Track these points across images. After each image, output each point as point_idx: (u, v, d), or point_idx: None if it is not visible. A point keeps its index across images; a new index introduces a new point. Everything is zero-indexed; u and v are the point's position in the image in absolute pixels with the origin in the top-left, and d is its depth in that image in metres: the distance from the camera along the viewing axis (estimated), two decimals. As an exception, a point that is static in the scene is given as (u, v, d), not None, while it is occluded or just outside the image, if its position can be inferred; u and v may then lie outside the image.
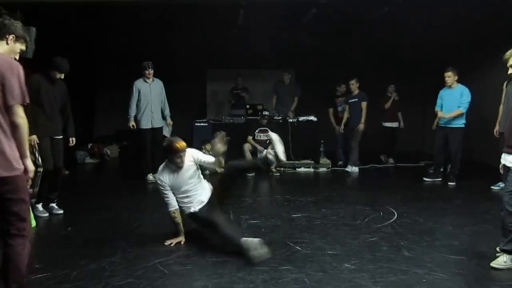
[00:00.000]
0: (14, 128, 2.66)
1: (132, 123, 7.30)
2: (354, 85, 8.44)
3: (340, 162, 8.86)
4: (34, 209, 5.10)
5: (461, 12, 7.79)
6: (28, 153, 2.79)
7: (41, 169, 4.93)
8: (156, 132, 7.36)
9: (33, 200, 5.12)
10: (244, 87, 10.10)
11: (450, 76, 7.10)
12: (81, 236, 4.45)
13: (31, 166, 2.80)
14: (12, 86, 2.64)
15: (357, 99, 8.39)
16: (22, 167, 2.71)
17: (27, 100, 2.74)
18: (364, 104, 8.29)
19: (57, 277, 3.37)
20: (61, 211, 5.40)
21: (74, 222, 4.99)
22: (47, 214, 5.25)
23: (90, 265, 3.61)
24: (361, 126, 8.25)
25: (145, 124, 7.29)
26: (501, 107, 6.52)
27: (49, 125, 5.24)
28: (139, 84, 7.30)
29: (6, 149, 2.63)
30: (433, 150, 7.63)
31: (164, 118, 7.51)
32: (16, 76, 2.68)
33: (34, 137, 4.96)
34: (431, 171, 8.23)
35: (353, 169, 8.26)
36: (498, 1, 7.21)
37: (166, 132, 7.65)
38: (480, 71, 8.95)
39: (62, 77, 5.28)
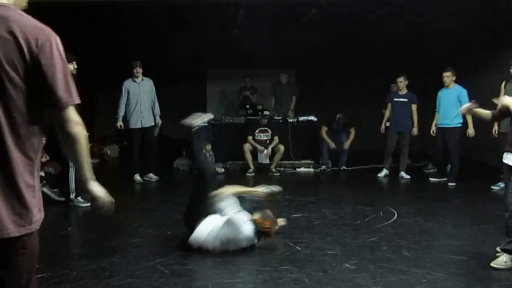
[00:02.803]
0: (68, 141, 1.70)
1: (120, 123, 7.30)
2: (402, 82, 7.71)
3: (324, 167, 8.50)
4: (76, 202, 5.49)
5: (460, 12, 7.78)
6: (93, 174, 1.91)
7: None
8: (147, 132, 7.33)
9: (73, 195, 5.54)
10: (252, 87, 10.12)
11: (449, 76, 7.13)
12: (81, 236, 4.46)
13: (99, 191, 1.98)
14: (57, 75, 1.59)
15: (406, 99, 7.74)
16: (31, 224, 1.61)
17: (77, 99, 1.69)
18: (414, 107, 7.73)
19: (57, 277, 3.36)
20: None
21: (74, 222, 4.99)
22: (89, 204, 5.46)
23: (90, 265, 3.60)
24: (415, 131, 7.74)
25: (134, 124, 7.27)
26: (499, 107, 6.52)
27: None
28: (127, 84, 7.30)
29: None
30: (435, 150, 7.62)
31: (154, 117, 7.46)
32: (59, 58, 1.63)
33: None
34: (427, 171, 8.27)
35: (403, 174, 7.78)
36: (497, 2, 7.21)
37: (155, 131, 7.61)
38: (480, 71, 8.95)
39: (75, 66, 5.53)
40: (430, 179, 7.52)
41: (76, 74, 5.70)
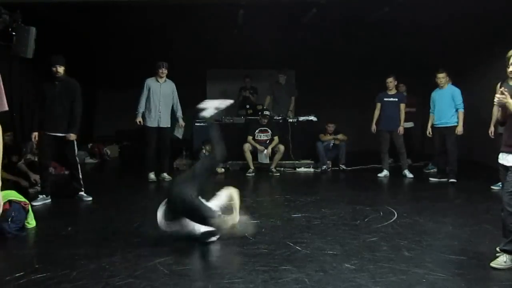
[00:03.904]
0: None
1: (139, 119, 7.35)
2: (392, 83, 7.86)
3: (324, 166, 8.53)
4: (80, 196, 5.84)
5: (460, 13, 7.79)
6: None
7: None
8: (163, 132, 7.37)
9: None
10: (252, 87, 10.12)
11: (444, 77, 7.22)
12: (81, 236, 4.46)
13: None
14: None
15: (396, 99, 7.88)
16: None
17: (5, 107, 2.15)
18: (403, 106, 7.86)
19: (57, 277, 3.37)
20: (90, 198, 5.94)
21: (74, 222, 4.99)
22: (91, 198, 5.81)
23: (90, 265, 3.60)
24: (401, 129, 7.81)
25: (151, 123, 7.32)
26: (495, 108, 6.54)
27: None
28: (150, 82, 7.36)
29: None
30: (435, 151, 7.64)
31: (176, 119, 7.53)
32: None
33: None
34: (427, 171, 8.27)
35: (406, 173, 7.84)
36: (497, 2, 7.21)
37: (179, 133, 7.65)
38: (479, 71, 8.96)
39: (61, 70, 5.67)
40: (430, 179, 7.53)
41: (77, 75, 5.84)
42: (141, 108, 7.33)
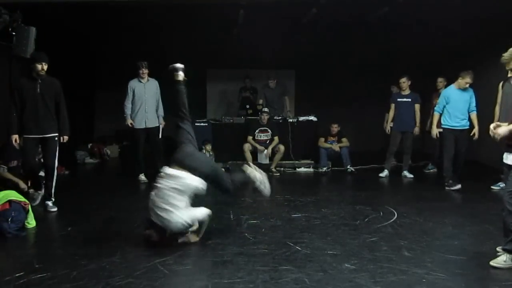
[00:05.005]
0: None
1: (129, 121, 7.32)
2: (405, 83, 7.76)
3: (325, 168, 8.40)
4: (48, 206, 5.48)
5: (459, 14, 7.79)
6: None
7: None
8: (152, 132, 7.34)
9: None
10: (252, 87, 10.12)
11: (472, 82, 6.95)
12: (81, 236, 4.45)
13: None
14: None
15: (410, 99, 7.79)
16: None
17: None
18: (418, 106, 7.78)
19: (57, 277, 3.37)
20: (55, 209, 5.54)
21: (74, 222, 4.99)
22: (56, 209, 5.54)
23: (90, 265, 3.61)
24: (417, 130, 7.82)
25: (139, 124, 7.29)
26: (497, 107, 6.52)
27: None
28: (133, 83, 7.33)
29: None
30: (446, 154, 7.01)
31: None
32: None
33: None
34: (427, 171, 8.22)
35: (406, 173, 7.83)
36: (496, 3, 7.21)
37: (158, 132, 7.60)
38: (479, 72, 8.93)
39: (46, 68, 5.35)
40: (447, 188, 6.75)
41: (77, 75, 5.69)
42: (128, 110, 7.30)
